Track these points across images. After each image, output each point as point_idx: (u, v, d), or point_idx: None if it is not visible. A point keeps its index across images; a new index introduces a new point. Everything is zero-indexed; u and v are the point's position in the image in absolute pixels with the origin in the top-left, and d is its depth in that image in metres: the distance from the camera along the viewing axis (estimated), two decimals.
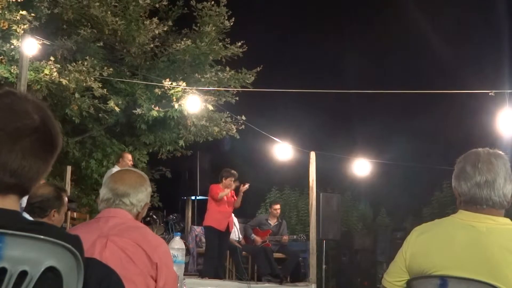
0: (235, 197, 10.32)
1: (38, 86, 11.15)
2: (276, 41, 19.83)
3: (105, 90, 11.96)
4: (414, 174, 16.64)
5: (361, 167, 12.81)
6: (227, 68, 13.22)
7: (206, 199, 10.65)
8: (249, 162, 16.45)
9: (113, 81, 12.57)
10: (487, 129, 10.42)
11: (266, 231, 11.49)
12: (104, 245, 2.58)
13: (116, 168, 9.62)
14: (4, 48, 10.91)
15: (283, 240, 11.40)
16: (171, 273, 2.69)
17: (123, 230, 2.65)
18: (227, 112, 13.39)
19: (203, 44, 13.03)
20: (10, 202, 1.33)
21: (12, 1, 10.63)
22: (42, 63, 11.14)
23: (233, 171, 10.26)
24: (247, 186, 10.30)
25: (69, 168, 11.17)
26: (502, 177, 2.28)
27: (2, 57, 11.06)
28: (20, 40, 10.11)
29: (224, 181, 10.14)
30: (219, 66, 13.47)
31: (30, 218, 3.39)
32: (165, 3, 13.39)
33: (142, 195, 2.82)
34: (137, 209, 2.80)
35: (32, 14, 10.85)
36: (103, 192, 2.83)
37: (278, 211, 11.78)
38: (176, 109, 12.25)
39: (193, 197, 13.44)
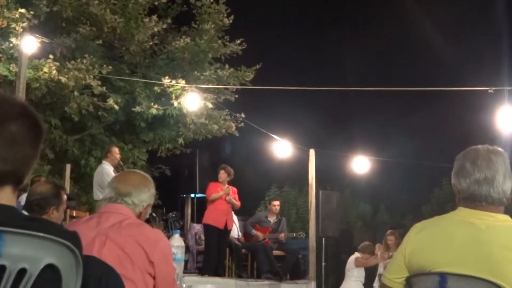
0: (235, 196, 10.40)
1: (37, 84, 11.14)
2: (275, 39, 19.83)
3: (104, 88, 11.95)
4: (414, 171, 16.66)
5: (361, 164, 12.81)
6: (226, 66, 13.21)
7: (206, 197, 10.67)
8: (248, 160, 16.48)
9: (112, 79, 12.56)
10: (486, 126, 10.43)
11: (266, 229, 11.48)
12: (103, 243, 2.58)
13: (106, 164, 9.57)
14: (3, 46, 10.90)
15: (280, 238, 11.40)
16: (169, 268, 2.69)
17: (123, 227, 2.65)
18: (227, 110, 13.38)
19: (202, 41, 13.03)
20: (6, 196, 1.33)
21: None
22: (41, 61, 11.12)
23: (223, 164, 10.44)
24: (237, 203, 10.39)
25: (68, 166, 11.16)
26: (501, 174, 2.28)
27: (1, 55, 11.04)
28: (19, 38, 10.10)
29: (218, 177, 10.25)
30: (218, 64, 13.45)
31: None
32: (164, 0, 13.36)
33: (144, 195, 2.82)
34: (139, 209, 2.81)
35: (31, 12, 10.83)
36: (106, 191, 2.84)
37: (277, 207, 11.78)
38: (175, 107, 12.25)
39: (192, 195, 13.45)
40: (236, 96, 13.62)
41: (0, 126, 1.32)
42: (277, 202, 11.93)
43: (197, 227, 11.66)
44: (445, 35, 17.85)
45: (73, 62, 11.54)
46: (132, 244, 2.58)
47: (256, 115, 13.93)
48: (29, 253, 1.25)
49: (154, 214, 10.89)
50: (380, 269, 10.11)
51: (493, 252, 2.17)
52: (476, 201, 2.29)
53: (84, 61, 11.48)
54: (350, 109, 19.56)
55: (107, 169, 9.33)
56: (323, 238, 12.09)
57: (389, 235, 10.11)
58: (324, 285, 11.86)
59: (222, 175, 10.28)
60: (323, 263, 11.95)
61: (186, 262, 10.56)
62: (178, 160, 14.53)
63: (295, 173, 15.90)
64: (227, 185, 10.32)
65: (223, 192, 10.17)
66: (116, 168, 9.48)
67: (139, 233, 2.64)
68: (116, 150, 9.89)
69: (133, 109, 12.43)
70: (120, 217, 2.70)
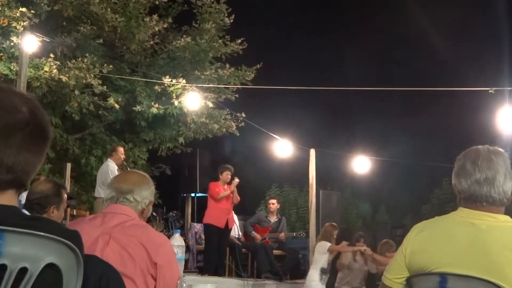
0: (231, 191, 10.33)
1: (38, 83, 11.14)
2: (276, 38, 19.84)
3: (105, 87, 11.95)
4: (414, 171, 16.67)
5: (361, 164, 12.80)
6: (227, 65, 13.22)
7: (206, 196, 10.66)
8: (249, 159, 16.48)
9: (113, 78, 12.56)
10: (487, 126, 10.42)
11: (266, 228, 11.49)
12: (107, 242, 2.59)
13: (110, 162, 9.58)
14: (4, 45, 10.90)
15: (280, 237, 11.40)
16: (172, 272, 2.69)
17: (127, 228, 2.66)
18: (227, 109, 13.39)
19: (203, 41, 13.03)
20: (8, 198, 1.33)
21: None
22: (42, 60, 11.13)
23: (227, 165, 10.32)
24: (236, 180, 10.26)
25: (68, 165, 11.17)
26: (502, 174, 2.28)
27: (2, 54, 11.05)
28: (20, 37, 10.09)
29: (221, 176, 10.19)
30: (219, 63, 13.45)
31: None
32: (165, 0, 13.37)
33: (146, 192, 2.84)
34: (141, 206, 2.83)
35: (32, 11, 10.84)
36: (107, 192, 2.85)
37: (273, 206, 11.77)
38: (176, 106, 12.26)
39: (192, 194, 13.44)
40: (237, 95, 13.63)
41: (6, 136, 1.30)
42: (273, 201, 11.94)
43: (197, 227, 11.67)
44: (446, 35, 17.85)
45: (74, 61, 11.54)
46: (135, 244, 2.59)
47: (257, 114, 13.95)
48: (30, 252, 1.25)
49: (154, 213, 10.91)
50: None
51: (493, 252, 2.17)
52: (476, 201, 2.29)
53: (85, 60, 11.48)
54: (351, 109, 19.58)
55: (112, 167, 9.36)
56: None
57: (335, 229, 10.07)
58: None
59: (229, 176, 10.23)
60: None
61: (186, 261, 10.57)
62: (178, 160, 14.54)
63: (295, 173, 15.90)
64: (234, 179, 10.26)
65: (229, 191, 10.13)
66: (121, 168, 9.50)
67: (143, 234, 2.65)
68: (121, 150, 9.93)
69: (134, 108, 12.43)
70: (124, 217, 2.71)
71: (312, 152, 12.08)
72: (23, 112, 1.33)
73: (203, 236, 11.04)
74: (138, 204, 2.81)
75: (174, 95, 12.09)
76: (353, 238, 10.88)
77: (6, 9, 10.61)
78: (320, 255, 9.43)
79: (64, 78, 11.23)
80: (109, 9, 12.15)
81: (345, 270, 10.10)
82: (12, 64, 10.95)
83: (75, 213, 10.07)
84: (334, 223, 10.24)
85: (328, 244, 9.37)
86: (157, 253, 2.60)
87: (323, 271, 9.29)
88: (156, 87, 12.35)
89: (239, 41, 13.46)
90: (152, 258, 2.58)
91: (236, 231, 11.04)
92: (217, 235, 10.04)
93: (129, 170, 3.18)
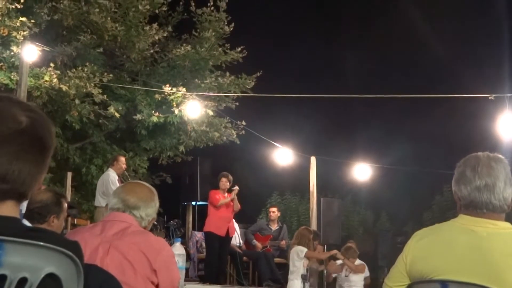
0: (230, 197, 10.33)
1: (38, 93, 11.16)
2: (276, 46, 19.84)
3: (105, 96, 11.97)
4: (415, 178, 16.62)
5: (362, 171, 12.80)
6: (227, 74, 13.24)
7: (207, 205, 10.65)
8: (249, 167, 16.44)
9: (113, 87, 12.58)
10: (487, 133, 10.42)
11: (267, 236, 11.48)
12: (107, 251, 2.60)
13: (111, 172, 9.58)
14: (4, 55, 10.93)
15: (281, 245, 11.39)
16: (172, 276, 2.70)
17: (127, 235, 2.68)
18: (227, 118, 13.40)
19: (203, 49, 13.05)
20: (8, 209, 1.32)
21: (12, 8, 10.65)
22: (42, 69, 11.15)
23: (224, 172, 10.36)
24: (237, 188, 10.27)
25: (69, 174, 11.17)
26: (502, 180, 2.27)
27: (2, 63, 11.07)
28: (20, 47, 10.14)
29: (219, 184, 10.20)
30: (219, 72, 13.48)
31: (29, 225, 3.39)
32: (164, 8, 13.40)
33: (151, 210, 2.87)
34: (144, 223, 2.86)
35: (32, 21, 10.88)
36: (113, 201, 2.85)
37: (273, 214, 11.76)
38: (176, 115, 12.26)
39: (193, 203, 13.44)
40: (237, 103, 13.64)
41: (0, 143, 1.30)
42: (274, 209, 11.93)
43: (198, 235, 11.65)
44: (446, 42, 17.86)
45: (74, 70, 11.57)
46: (136, 252, 2.60)
47: (257, 122, 13.94)
48: (30, 262, 1.25)
49: (155, 222, 10.89)
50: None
51: (494, 259, 2.16)
52: (477, 208, 2.28)
53: (85, 69, 11.51)
54: (351, 116, 19.55)
55: (113, 177, 9.36)
56: (324, 246, 12.06)
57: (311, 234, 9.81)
58: None
59: (226, 183, 10.25)
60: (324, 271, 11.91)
61: (187, 270, 10.56)
62: (179, 168, 14.53)
63: (296, 181, 15.88)
64: (234, 187, 10.27)
65: (229, 199, 10.13)
66: (122, 177, 9.50)
67: (142, 241, 2.66)
68: (123, 159, 9.92)
69: (134, 117, 12.44)
70: (123, 225, 2.72)
71: (313, 159, 12.08)
72: (20, 121, 1.33)
73: (204, 245, 11.03)
74: (143, 221, 2.84)
75: (174, 103, 12.10)
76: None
77: (6, 19, 10.64)
78: (299, 261, 9.06)
79: (64, 87, 11.25)
80: (109, 18, 12.18)
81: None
82: (13, 73, 10.98)
83: (75, 222, 10.06)
84: (309, 227, 10.14)
85: (305, 250, 9.05)
86: (157, 258, 2.62)
87: (304, 278, 8.93)
88: (157, 96, 12.37)
89: (239, 49, 13.49)
90: (152, 264, 2.60)
91: (237, 239, 11.03)
92: (218, 243, 10.03)
93: (137, 182, 3.15)
